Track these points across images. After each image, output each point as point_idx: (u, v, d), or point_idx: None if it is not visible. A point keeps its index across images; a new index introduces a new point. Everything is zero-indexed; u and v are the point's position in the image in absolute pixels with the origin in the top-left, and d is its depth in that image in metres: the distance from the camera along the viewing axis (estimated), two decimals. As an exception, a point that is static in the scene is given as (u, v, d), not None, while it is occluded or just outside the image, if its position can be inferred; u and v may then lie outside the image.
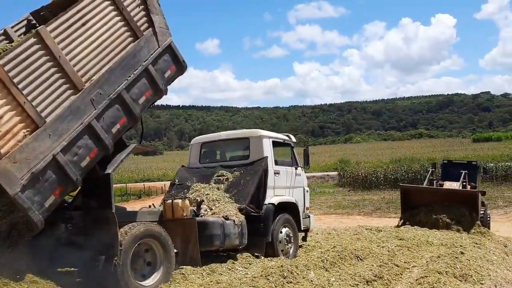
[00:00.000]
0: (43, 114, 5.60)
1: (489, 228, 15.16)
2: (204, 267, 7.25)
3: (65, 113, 5.82)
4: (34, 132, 5.49)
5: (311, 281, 6.72)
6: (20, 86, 5.42)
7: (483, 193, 16.11)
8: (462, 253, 9.42)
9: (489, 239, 12.55)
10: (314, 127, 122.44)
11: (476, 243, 11.28)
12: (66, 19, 6.05)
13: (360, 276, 7.22)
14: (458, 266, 8.22)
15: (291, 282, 6.56)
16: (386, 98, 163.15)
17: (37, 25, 7.94)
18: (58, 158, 5.64)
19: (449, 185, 15.39)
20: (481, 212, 14.54)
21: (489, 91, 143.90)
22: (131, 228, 6.35)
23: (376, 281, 7.18)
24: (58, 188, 5.67)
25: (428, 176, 16.58)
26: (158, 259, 6.68)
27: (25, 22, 7.94)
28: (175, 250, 6.92)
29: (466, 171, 15.47)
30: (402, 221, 14.94)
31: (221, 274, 7.04)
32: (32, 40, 5.65)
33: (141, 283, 6.38)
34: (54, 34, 5.86)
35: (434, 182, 16.06)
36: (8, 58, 5.38)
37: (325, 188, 35.14)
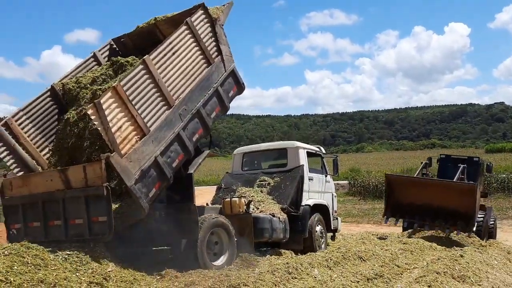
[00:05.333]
0: (148, 125, 7.12)
1: (494, 237, 14.40)
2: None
3: (162, 124, 7.34)
4: (143, 139, 6.99)
5: (315, 277, 7.08)
6: (133, 102, 6.93)
7: (485, 195, 14.59)
8: (461, 256, 9.79)
9: (492, 246, 12.66)
10: (325, 135, 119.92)
11: (478, 248, 11.75)
12: (162, 49, 7.57)
13: (362, 274, 7.51)
14: (457, 268, 8.62)
15: (295, 278, 6.96)
16: (398, 108, 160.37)
17: (117, 49, 9.60)
18: (158, 160, 7.16)
19: None
20: (480, 217, 13.23)
21: (503, 102, 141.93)
22: (206, 219, 7.86)
23: (376, 279, 7.49)
24: (158, 183, 7.17)
25: (420, 168, 14.37)
26: (225, 245, 8.17)
27: (108, 46, 9.58)
28: (235, 239, 8.40)
29: (465, 166, 13.67)
30: (385, 217, 13.34)
31: (230, 270, 7.49)
32: (141, 66, 7.19)
33: (213, 263, 7.85)
34: (155, 62, 7.39)
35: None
36: (125, 80, 6.91)
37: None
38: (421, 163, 15.04)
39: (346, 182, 37.35)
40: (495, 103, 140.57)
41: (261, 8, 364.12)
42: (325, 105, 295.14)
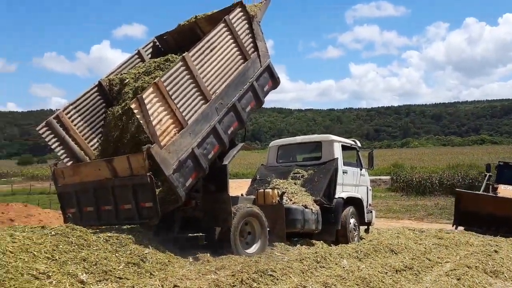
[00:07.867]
0: (186, 118, 7.56)
1: None
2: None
3: (199, 118, 7.77)
4: (181, 131, 7.45)
5: (343, 267, 7.05)
6: (173, 97, 7.38)
7: None
8: (496, 251, 9.74)
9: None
10: (369, 130, 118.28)
11: (515, 245, 11.40)
12: (201, 46, 7.98)
13: (391, 266, 7.41)
14: (490, 263, 8.44)
15: (323, 267, 6.97)
16: (447, 102, 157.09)
17: (160, 46, 10.09)
18: (195, 151, 7.59)
19: (503, 188, 15.06)
20: None
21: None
22: (240, 208, 8.24)
23: (405, 271, 7.35)
24: (194, 173, 7.61)
25: (485, 181, 16.18)
26: (257, 233, 8.53)
27: (151, 44, 10.09)
28: (268, 229, 8.74)
29: None
30: (455, 227, 15.12)
31: (260, 257, 7.61)
32: (180, 63, 7.62)
33: (245, 250, 8.23)
34: (193, 58, 7.81)
35: (491, 186, 15.65)
36: (166, 76, 7.37)
37: (377, 192, 32.18)
38: (484, 175, 16.97)
39: (388, 177, 36.38)
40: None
41: (306, 1, 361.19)
42: (370, 99, 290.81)
